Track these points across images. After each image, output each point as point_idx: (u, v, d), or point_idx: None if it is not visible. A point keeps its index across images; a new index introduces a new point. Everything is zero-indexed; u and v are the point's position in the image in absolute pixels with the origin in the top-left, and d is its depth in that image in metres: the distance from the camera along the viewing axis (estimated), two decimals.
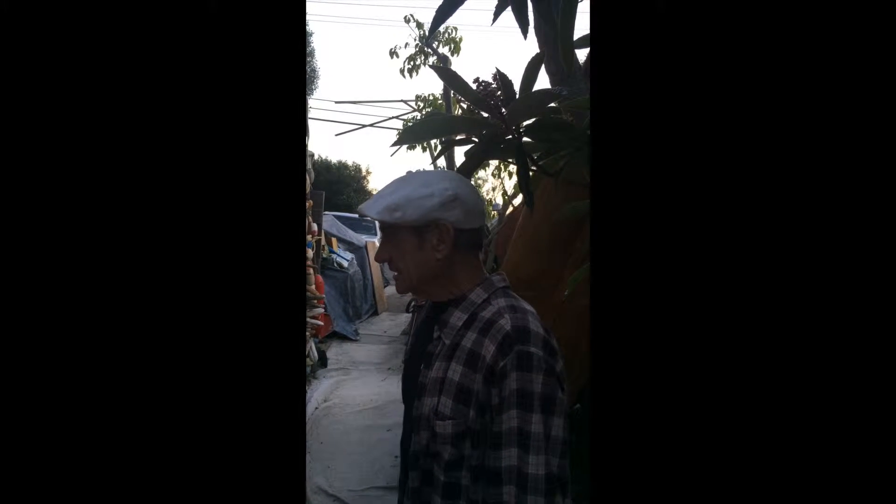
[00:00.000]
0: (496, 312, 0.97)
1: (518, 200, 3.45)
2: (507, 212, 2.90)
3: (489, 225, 4.15)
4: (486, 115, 1.26)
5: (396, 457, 3.56)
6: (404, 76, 4.06)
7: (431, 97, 4.34)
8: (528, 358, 0.91)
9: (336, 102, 17.88)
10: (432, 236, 1.01)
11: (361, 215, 1.06)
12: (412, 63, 4.16)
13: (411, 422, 1.03)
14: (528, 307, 1.00)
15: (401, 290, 1.09)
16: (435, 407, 0.96)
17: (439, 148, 4.48)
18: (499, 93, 1.24)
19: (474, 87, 1.19)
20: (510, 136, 1.29)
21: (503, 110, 1.24)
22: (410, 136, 1.21)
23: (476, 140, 1.42)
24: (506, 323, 0.95)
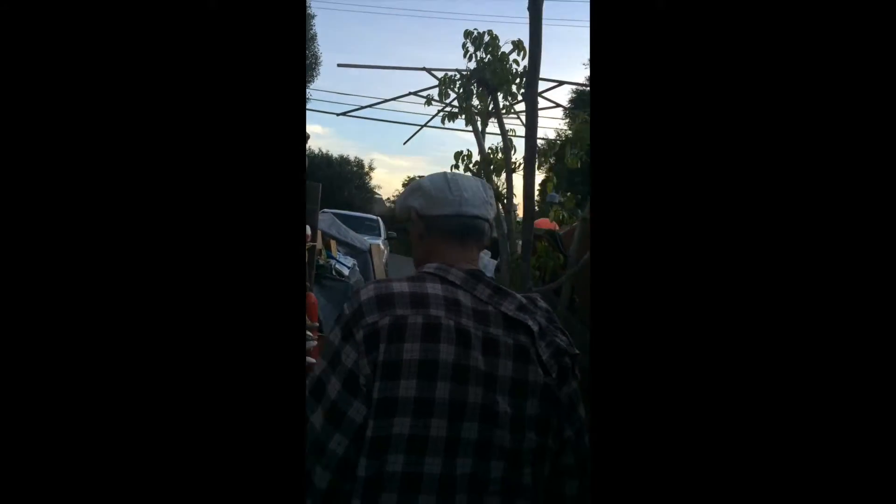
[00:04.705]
0: None
1: None
2: None
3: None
4: None
5: None
6: None
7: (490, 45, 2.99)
8: (341, 312, 1.02)
9: (338, 66, 16.71)
10: (412, 221, 1.16)
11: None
12: None
13: None
14: (403, 283, 1.04)
15: None
16: None
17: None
18: None
19: None
20: None
21: None
22: None
23: None
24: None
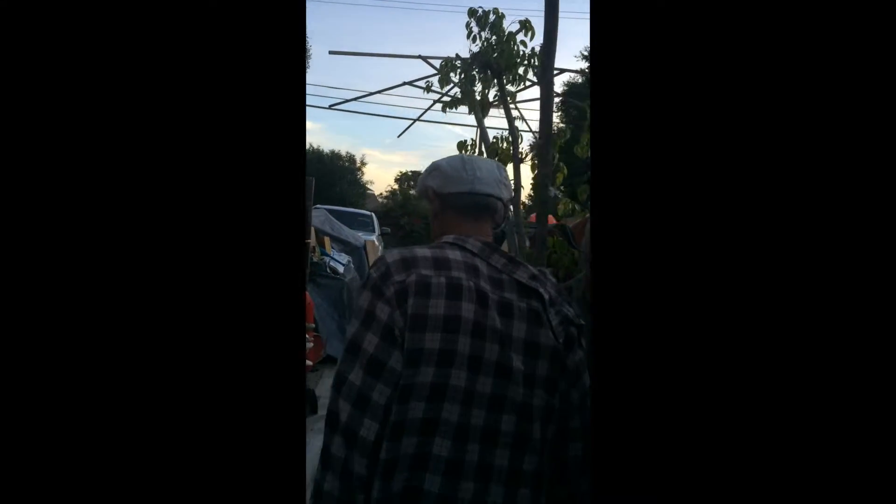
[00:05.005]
0: None
1: None
2: None
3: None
4: None
5: None
6: None
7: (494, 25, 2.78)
8: (367, 278, 1.09)
9: (330, 53, 16.36)
10: (429, 199, 1.24)
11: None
12: None
13: None
14: (425, 250, 1.10)
15: None
16: None
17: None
18: None
19: None
20: None
21: None
22: None
23: None
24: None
